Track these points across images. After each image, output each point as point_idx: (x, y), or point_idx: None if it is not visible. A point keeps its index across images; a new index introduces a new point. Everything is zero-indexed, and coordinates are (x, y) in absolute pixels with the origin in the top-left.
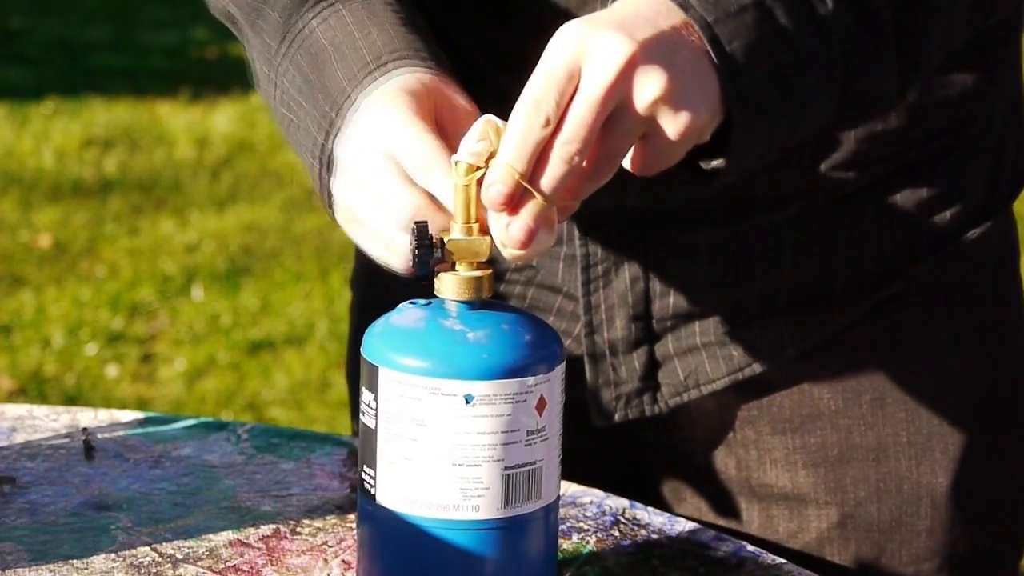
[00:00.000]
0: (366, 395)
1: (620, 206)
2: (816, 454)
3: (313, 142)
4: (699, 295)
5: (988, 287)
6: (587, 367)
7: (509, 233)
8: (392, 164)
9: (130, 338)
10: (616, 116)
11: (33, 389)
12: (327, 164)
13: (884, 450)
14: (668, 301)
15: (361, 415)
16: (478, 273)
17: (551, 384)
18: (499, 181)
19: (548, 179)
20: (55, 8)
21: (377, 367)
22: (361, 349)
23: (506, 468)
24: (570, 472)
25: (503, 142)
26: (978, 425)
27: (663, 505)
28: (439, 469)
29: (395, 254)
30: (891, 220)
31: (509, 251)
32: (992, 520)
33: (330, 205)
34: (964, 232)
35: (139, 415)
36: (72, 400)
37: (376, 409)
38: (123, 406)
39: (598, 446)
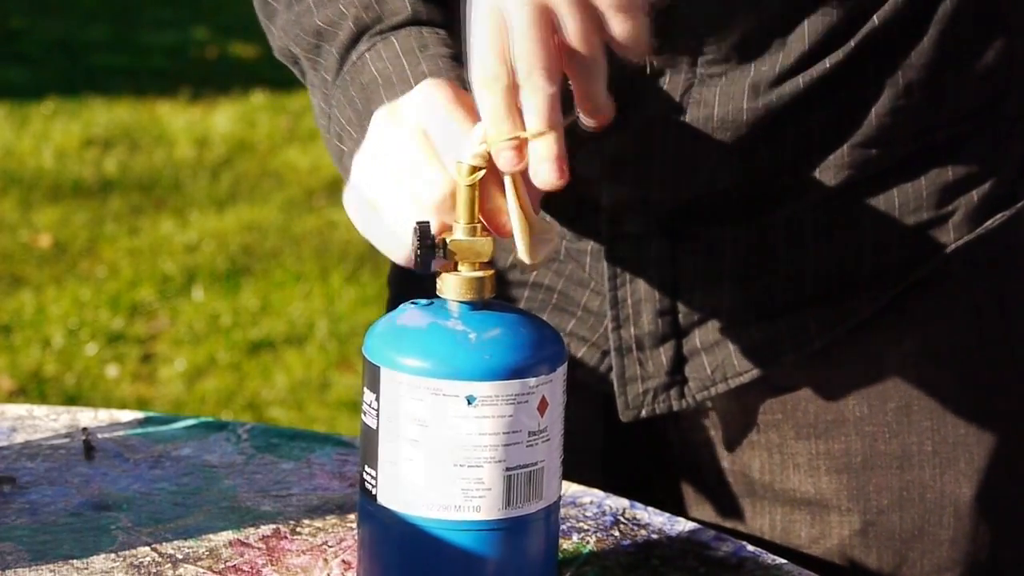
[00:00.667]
0: (368, 395)
1: (645, 199)
2: (840, 460)
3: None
4: (725, 288)
5: (1020, 294)
6: (614, 362)
7: (541, 177)
8: (424, 140)
9: (130, 338)
10: (560, 22)
11: (33, 389)
12: None
13: (908, 458)
14: (694, 295)
15: (363, 415)
16: (480, 274)
17: (553, 385)
18: (504, 148)
19: (533, 114)
20: (55, 8)
21: (379, 367)
22: (363, 349)
23: (508, 469)
24: (591, 471)
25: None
26: (1004, 436)
27: (683, 507)
28: (441, 470)
29: (399, 243)
30: (916, 202)
31: (524, 254)
32: (1016, 532)
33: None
34: (993, 214)
35: (139, 415)
36: (72, 400)
37: (378, 409)
38: (123, 406)
39: (623, 444)
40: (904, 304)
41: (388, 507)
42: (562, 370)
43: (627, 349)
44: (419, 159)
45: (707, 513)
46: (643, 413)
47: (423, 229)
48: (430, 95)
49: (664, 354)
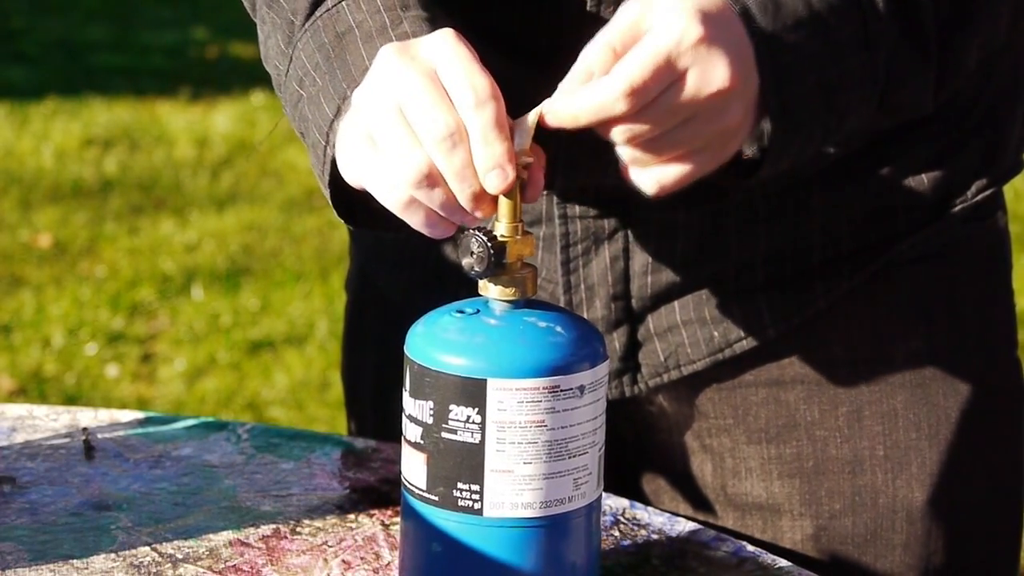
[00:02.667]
0: (461, 412)
1: (599, 185)
2: (791, 464)
3: (323, 118)
4: (677, 272)
5: (972, 295)
6: None
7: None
8: (433, 79)
9: (130, 338)
10: (669, 91)
11: (33, 389)
12: (334, 142)
13: (860, 463)
14: (647, 280)
15: (448, 434)
16: (525, 272)
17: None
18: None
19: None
20: (55, 8)
21: (484, 380)
22: (450, 370)
23: (599, 450)
24: None
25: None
26: (956, 440)
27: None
28: (560, 464)
29: (393, 182)
30: (866, 190)
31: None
32: (969, 535)
33: (329, 183)
34: (946, 209)
35: (139, 415)
36: (72, 400)
37: (482, 423)
38: (123, 406)
39: None
40: (854, 308)
41: (499, 517)
42: None
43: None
44: (427, 97)
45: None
46: None
47: (489, 234)
48: (447, 39)
49: (617, 339)
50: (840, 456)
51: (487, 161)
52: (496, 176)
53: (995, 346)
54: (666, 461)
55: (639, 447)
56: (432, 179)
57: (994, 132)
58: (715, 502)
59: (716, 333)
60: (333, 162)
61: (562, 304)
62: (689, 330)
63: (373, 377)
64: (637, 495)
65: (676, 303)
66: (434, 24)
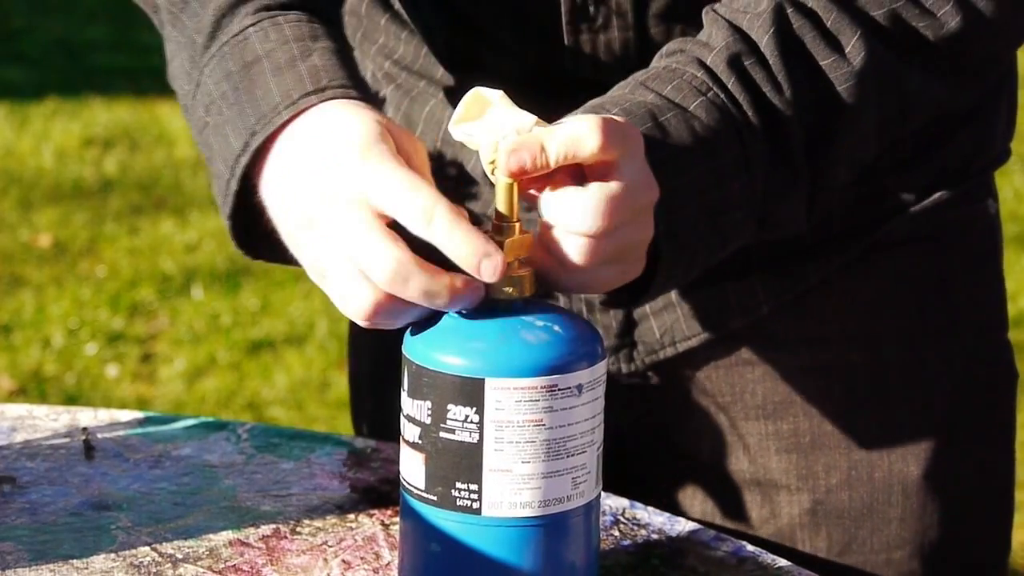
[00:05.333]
0: (459, 412)
1: None
2: (788, 440)
3: (229, 150)
4: None
5: (963, 275)
6: None
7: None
8: (374, 217)
9: (130, 338)
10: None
11: (33, 389)
12: (239, 176)
13: (856, 437)
14: None
15: (446, 434)
16: (524, 271)
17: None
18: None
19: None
20: (55, 8)
21: (482, 380)
22: (448, 370)
23: (598, 448)
24: None
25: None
26: (950, 415)
27: (636, 489)
28: (558, 463)
29: (351, 311)
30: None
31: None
32: (964, 509)
33: (231, 216)
34: (939, 191)
35: (139, 415)
36: (72, 400)
37: (480, 422)
38: (123, 406)
39: None
40: (847, 286)
41: (497, 516)
42: None
43: (577, 312)
44: (364, 234)
45: (658, 494)
46: None
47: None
48: (370, 169)
49: (614, 317)
50: (836, 431)
51: (470, 259)
52: (488, 266)
53: (985, 325)
54: (663, 441)
55: (634, 429)
56: (393, 302)
57: (981, 121)
58: (712, 479)
59: (711, 310)
60: (236, 194)
61: None
62: (684, 308)
63: (377, 377)
64: (633, 480)
65: None
66: (342, 56)
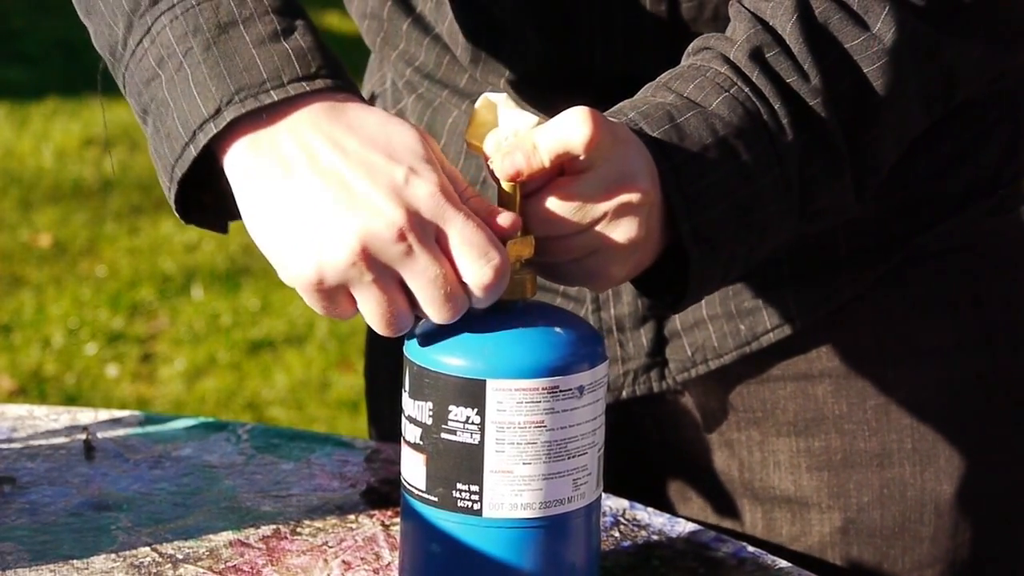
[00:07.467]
0: (460, 413)
1: None
2: (820, 458)
3: (195, 112)
4: None
5: (997, 288)
6: None
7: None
8: (336, 187)
9: (130, 338)
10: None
11: (33, 389)
12: (202, 143)
13: (888, 456)
14: None
15: (447, 435)
16: (525, 274)
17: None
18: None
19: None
20: (55, 8)
21: (483, 381)
22: (449, 371)
23: (599, 449)
24: None
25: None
26: (984, 432)
27: (666, 504)
28: (559, 465)
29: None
30: (891, 183)
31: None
32: (997, 528)
33: (178, 181)
34: (972, 202)
35: (139, 415)
36: (72, 400)
37: (481, 423)
38: (123, 406)
39: (604, 442)
40: (881, 301)
41: (498, 518)
42: None
43: (607, 331)
44: (323, 214)
45: (688, 511)
46: (623, 395)
47: None
48: (426, 183)
49: (645, 335)
50: (868, 449)
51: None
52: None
53: (1020, 341)
54: (692, 457)
55: (664, 445)
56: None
57: (1015, 126)
58: (742, 497)
59: (743, 326)
60: (194, 162)
61: (589, 301)
62: (716, 324)
63: (391, 378)
64: (660, 495)
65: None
66: (318, 34)
